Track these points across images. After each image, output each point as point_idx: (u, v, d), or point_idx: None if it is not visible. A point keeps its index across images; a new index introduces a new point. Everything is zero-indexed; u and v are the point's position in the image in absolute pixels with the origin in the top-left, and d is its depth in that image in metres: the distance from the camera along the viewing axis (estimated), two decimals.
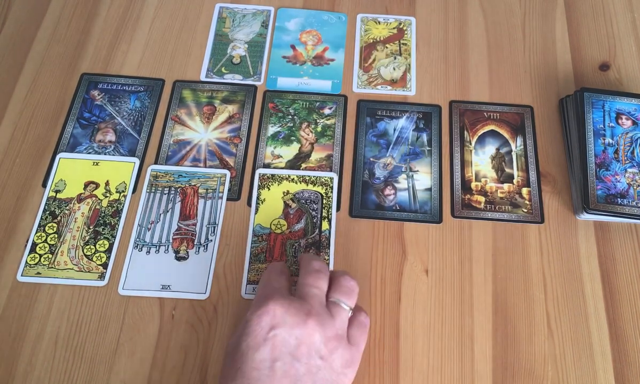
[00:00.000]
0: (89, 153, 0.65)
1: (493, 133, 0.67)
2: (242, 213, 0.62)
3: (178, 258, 0.59)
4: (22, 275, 0.57)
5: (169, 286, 0.57)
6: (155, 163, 0.64)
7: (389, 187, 0.63)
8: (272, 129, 0.67)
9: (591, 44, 0.73)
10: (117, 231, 0.60)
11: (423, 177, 0.64)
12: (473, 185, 0.64)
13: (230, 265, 0.58)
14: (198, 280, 0.57)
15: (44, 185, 0.63)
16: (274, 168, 0.64)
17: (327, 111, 0.68)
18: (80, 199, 0.62)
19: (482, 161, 0.65)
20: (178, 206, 0.62)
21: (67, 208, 0.61)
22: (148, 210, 0.61)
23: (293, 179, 0.63)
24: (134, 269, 0.58)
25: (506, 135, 0.67)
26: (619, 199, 0.60)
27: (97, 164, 0.64)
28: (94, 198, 0.62)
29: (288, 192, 0.62)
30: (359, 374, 0.53)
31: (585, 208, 0.59)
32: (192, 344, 0.55)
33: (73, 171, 0.63)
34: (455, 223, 0.61)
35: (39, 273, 0.57)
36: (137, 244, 0.59)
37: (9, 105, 0.68)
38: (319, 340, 0.45)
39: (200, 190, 0.62)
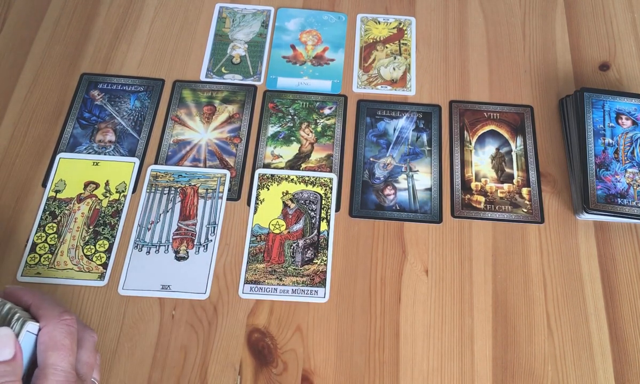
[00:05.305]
0: (89, 153, 0.65)
1: (493, 133, 0.67)
2: (242, 213, 0.62)
3: (178, 258, 0.59)
4: (22, 275, 0.57)
5: (169, 286, 0.57)
6: (155, 163, 0.64)
7: (389, 187, 0.63)
8: (272, 129, 0.67)
9: (591, 44, 0.73)
10: (117, 231, 0.60)
11: (423, 177, 0.64)
12: (473, 185, 0.64)
13: (231, 265, 0.58)
14: (198, 280, 0.57)
15: (44, 185, 0.63)
16: (274, 168, 0.64)
17: (327, 111, 0.68)
18: (80, 199, 0.62)
19: (482, 161, 0.65)
20: (178, 206, 0.62)
21: (67, 208, 0.61)
22: (148, 210, 0.61)
23: (292, 179, 0.63)
24: (134, 269, 0.58)
25: (506, 135, 0.67)
26: (619, 199, 0.60)
27: (97, 164, 0.64)
28: (93, 198, 0.62)
29: (287, 192, 0.62)
30: (359, 374, 0.53)
31: (585, 208, 0.59)
32: (192, 344, 0.55)
33: (73, 171, 0.63)
34: (455, 223, 0.61)
35: (39, 273, 0.57)
36: (137, 244, 0.59)
37: (9, 105, 0.68)
38: None
39: (200, 190, 0.62)
